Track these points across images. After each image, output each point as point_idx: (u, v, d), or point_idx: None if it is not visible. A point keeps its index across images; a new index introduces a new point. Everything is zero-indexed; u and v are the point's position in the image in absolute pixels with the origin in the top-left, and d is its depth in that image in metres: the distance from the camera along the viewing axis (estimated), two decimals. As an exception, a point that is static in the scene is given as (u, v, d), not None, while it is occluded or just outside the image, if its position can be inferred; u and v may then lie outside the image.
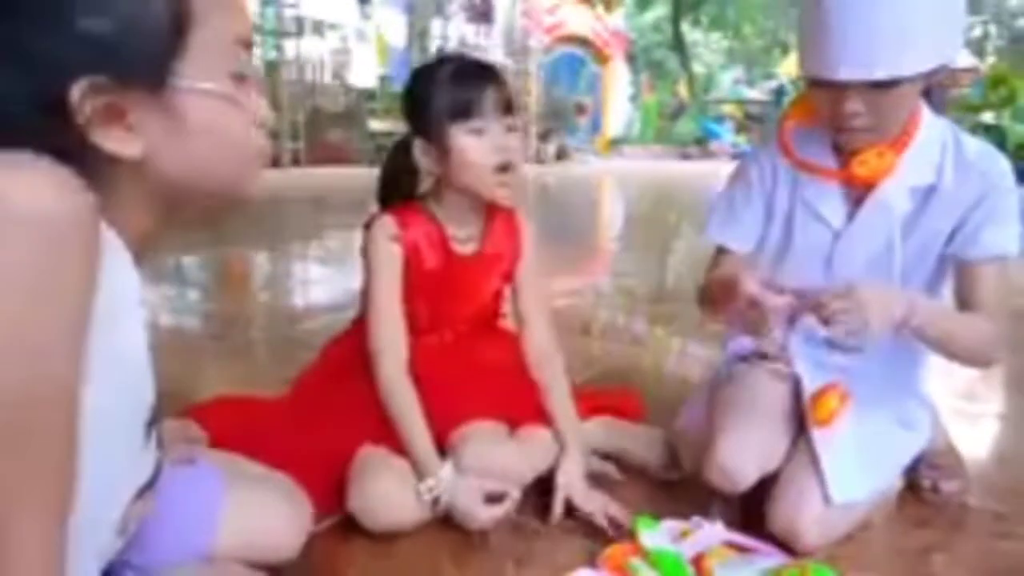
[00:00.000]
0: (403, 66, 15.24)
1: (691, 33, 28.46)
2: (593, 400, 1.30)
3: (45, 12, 0.47)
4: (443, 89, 1.08)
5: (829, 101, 0.94)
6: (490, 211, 1.19)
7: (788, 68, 21.17)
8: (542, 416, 1.17)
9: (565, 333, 1.50)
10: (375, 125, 13.32)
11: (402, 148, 1.16)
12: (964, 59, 16.55)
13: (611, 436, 1.26)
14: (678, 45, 27.07)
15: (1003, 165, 1.00)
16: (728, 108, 22.40)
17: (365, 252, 1.15)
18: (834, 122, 0.96)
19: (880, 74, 0.88)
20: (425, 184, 1.19)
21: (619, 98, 22.64)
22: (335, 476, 1.06)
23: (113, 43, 0.49)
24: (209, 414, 1.18)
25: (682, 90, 26.29)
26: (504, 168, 1.09)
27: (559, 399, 1.17)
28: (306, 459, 1.03)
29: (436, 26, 15.57)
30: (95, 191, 0.44)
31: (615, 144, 21.58)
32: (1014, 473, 1.32)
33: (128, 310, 0.52)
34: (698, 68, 29.01)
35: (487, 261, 1.21)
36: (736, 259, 1.16)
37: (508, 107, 1.10)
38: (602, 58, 21.65)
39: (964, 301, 1.02)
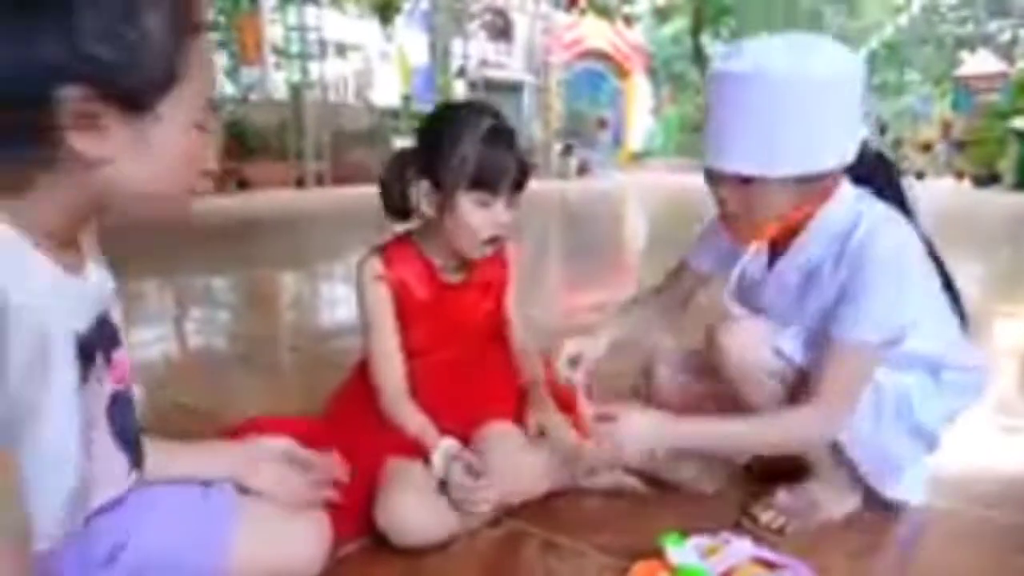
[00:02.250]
0: (425, 85, 15.44)
1: (711, 45, 28.39)
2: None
3: (63, 24, 0.54)
4: (466, 153, 1.07)
5: (711, 185, 1.04)
6: None
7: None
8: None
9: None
10: (398, 144, 13.49)
11: (400, 163, 1.15)
12: (991, 64, 16.34)
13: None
14: (698, 58, 27.04)
15: (885, 248, 0.96)
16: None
17: (358, 290, 1.19)
18: (716, 202, 1.06)
19: (736, 170, 0.96)
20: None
21: (640, 112, 22.66)
22: (365, 495, 1.07)
23: (118, 68, 0.56)
24: (243, 437, 1.21)
25: (703, 103, 26.21)
26: (492, 241, 1.14)
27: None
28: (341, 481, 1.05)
29: (457, 45, 15.75)
30: (42, 182, 0.56)
31: (637, 158, 21.57)
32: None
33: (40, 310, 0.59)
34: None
35: (476, 288, 1.24)
36: (690, 275, 1.28)
37: (520, 186, 1.12)
38: (622, 72, 21.70)
39: (814, 385, 1.00)
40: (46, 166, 0.57)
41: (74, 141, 0.56)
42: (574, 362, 1.17)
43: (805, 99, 0.91)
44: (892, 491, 1.11)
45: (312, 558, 0.91)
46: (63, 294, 0.63)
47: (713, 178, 1.02)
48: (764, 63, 0.91)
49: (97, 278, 0.70)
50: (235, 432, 1.23)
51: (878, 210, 1.02)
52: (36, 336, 0.58)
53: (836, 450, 1.07)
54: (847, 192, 1.03)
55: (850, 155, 0.98)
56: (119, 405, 0.73)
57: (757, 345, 1.06)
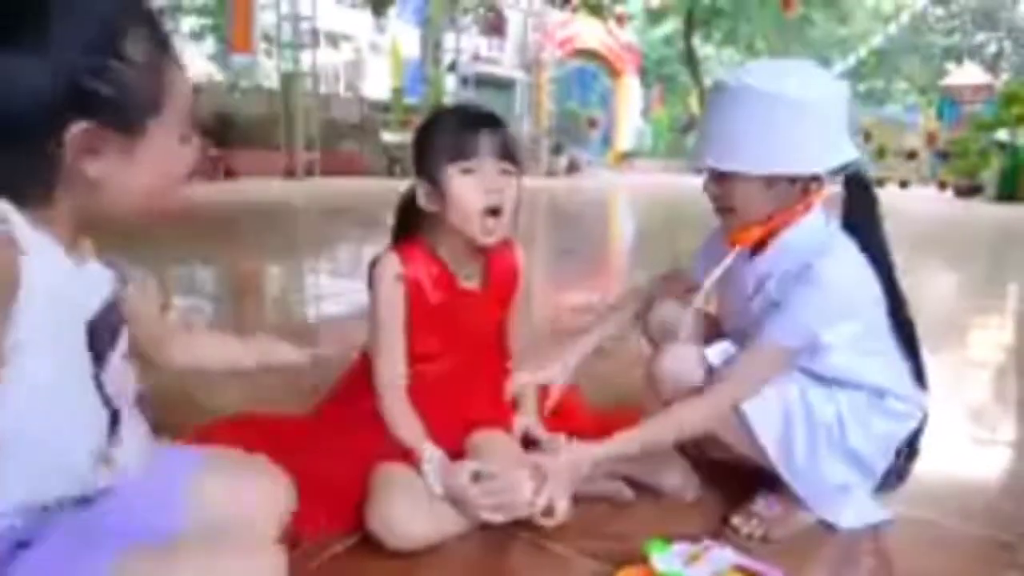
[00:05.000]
0: (416, 79, 15.37)
1: (703, 48, 28.53)
2: (603, 424, 1.32)
3: (65, 69, 0.63)
4: (443, 132, 1.15)
5: (706, 183, 1.15)
6: (487, 248, 1.20)
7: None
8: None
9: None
10: (388, 137, 13.44)
11: (411, 194, 1.21)
12: (977, 75, 16.55)
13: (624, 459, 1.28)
14: (689, 60, 27.15)
15: (834, 276, 1.05)
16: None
17: (371, 288, 1.19)
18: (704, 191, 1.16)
19: (714, 163, 1.09)
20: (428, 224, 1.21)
21: (630, 112, 22.71)
22: (355, 493, 1.08)
23: (114, 101, 0.66)
24: (227, 432, 1.21)
25: (693, 104, 26.33)
26: (493, 211, 1.12)
27: None
28: (327, 476, 1.05)
29: (450, 39, 15.70)
30: (52, 195, 0.67)
31: (626, 157, 21.63)
32: (1022, 502, 1.32)
33: (61, 295, 0.70)
34: (709, 83, 29.08)
35: (491, 295, 1.25)
36: (682, 279, 1.36)
37: (505, 152, 1.13)
38: (613, 72, 21.74)
39: (722, 371, 1.11)
40: (55, 184, 0.67)
41: (75, 162, 0.66)
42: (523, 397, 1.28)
43: (775, 111, 1.03)
44: (835, 517, 1.14)
45: (271, 509, 0.90)
46: (77, 283, 0.73)
47: (703, 174, 1.14)
48: (748, 81, 1.05)
49: (98, 272, 0.77)
50: (214, 431, 1.24)
51: (845, 245, 1.09)
52: (51, 314, 0.68)
53: None
54: (819, 216, 1.12)
55: (820, 167, 1.07)
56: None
57: (690, 370, 1.14)
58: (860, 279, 1.08)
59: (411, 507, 1.05)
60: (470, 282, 1.22)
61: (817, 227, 1.11)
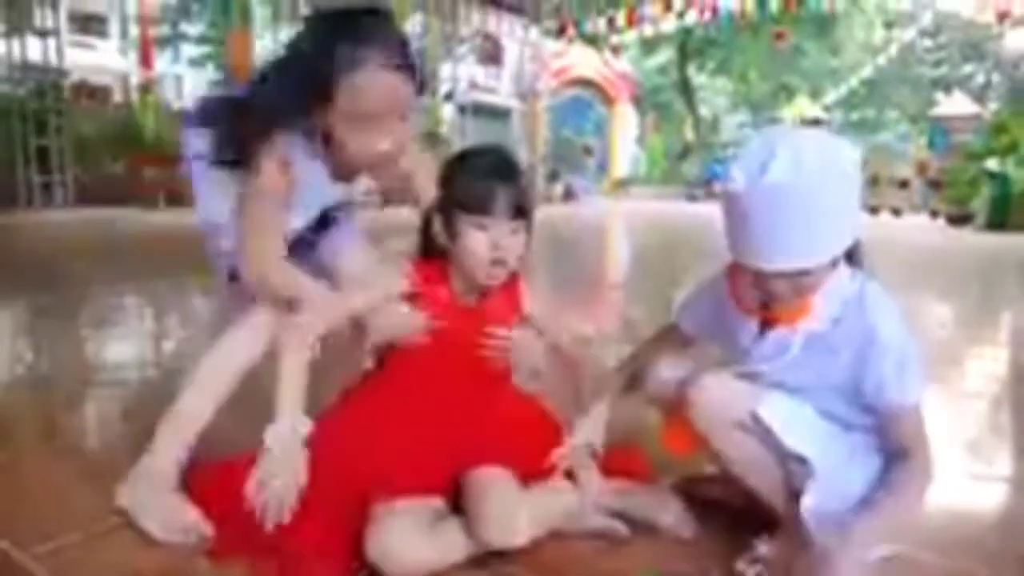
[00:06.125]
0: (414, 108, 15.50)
1: (697, 77, 28.91)
2: (600, 461, 1.32)
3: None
4: (465, 181, 1.18)
5: (756, 280, 1.08)
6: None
7: (793, 112, 21.46)
8: (543, 470, 1.23)
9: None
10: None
11: (431, 207, 1.25)
12: (966, 106, 16.79)
13: (620, 496, 1.28)
14: (684, 88, 27.50)
15: (896, 320, 1.06)
16: (734, 151, 22.61)
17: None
18: (764, 296, 1.11)
19: (798, 265, 1.02)
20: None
21: (625, 140, 22.93)
22: (357, 531, 1.08)
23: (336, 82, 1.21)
24: (214, 487, 1.21)
25: (688, 133, 26.61)
26: (498, 263, 1.18)
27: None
28: (327, 522, 1.07)
29: (446, 68, 15.89)
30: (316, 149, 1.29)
31: (622, 185, 21.78)
32: (1012, 540, 1.32)
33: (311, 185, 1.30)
34: (704, 111, 29.40)
35: (486, 311, 1.26)
36: (677, 337, 1.32)
37: (519, 210, 1.18)
38: (609, 100, 21.99)
39: (894, 450, 1.09)
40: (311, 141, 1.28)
41: (332, 128, 1.25)
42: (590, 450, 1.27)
43: (838, 191, 1.00)
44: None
45: None
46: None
47: (760, 277, 1.06)
48: (778, 178, 0.97)
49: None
50: (205, 482, 1.24)
51: (868, 281, 1.10)
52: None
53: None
54: (844, 270, 1.10)
55: (861, 224, 1.07)
56: None
57: (728, 400, 1.12)
58: (900, 313, 1.09)
59: (410, 534, 1.05)
60: (467, 299, 1.25)
61: (846, 269, 1.10)
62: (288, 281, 1.24)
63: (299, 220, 1.34)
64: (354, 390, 1.30)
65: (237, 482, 1.09)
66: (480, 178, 1.17)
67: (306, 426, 1.12)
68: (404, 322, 1.22)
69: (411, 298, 1.23)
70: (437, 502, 1.14)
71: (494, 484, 1.14)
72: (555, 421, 1.34)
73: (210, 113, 1.32)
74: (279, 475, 1.08)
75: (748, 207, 1.00)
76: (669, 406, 1.21)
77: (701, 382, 1.14)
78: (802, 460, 1.09)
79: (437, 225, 1.21)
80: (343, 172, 1.37)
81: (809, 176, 0.97)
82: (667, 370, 1.25)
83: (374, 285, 1.26)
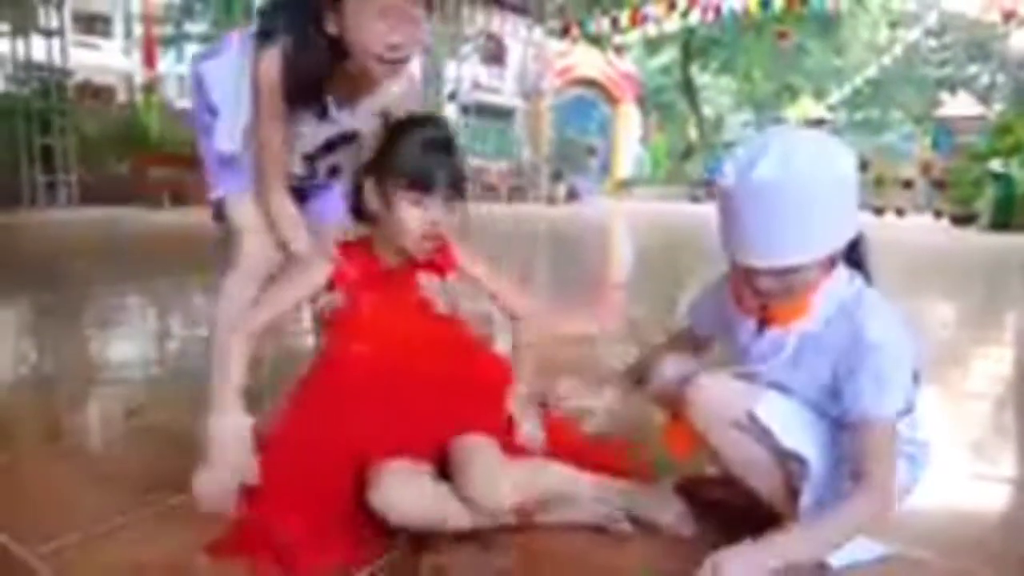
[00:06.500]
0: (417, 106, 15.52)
1: (700, 77, 28.90)
2: (588, 457, 1.33)
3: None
4: (404, 154, 1.20)
5: (747, 277, 1.08)
6: None
7: (797, 112, 21.43)
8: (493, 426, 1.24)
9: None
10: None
11: (362, 169, 1.28)
12: (970, 106, 16.75)
13: (622, 494, 1.27)
14: (687, 88, 27.48)
15: (886, 327, 1.03)
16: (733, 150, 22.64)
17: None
18: (753, 292, 1.10)
19: (784, 263, 1.01)
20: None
21: (629, 140, 22.93)
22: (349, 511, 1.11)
23: None
24: None
25: (691, 132, 26.58)
26: (430, 238, 1.22)
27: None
28: (316, 506, 1.10)
29: (451, 68, 15.90)
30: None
31: (625, 185, 21.78)
32: (1015, 540, 1.31)
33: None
34: (707, 111, 29.39)
35: (415, 268, 1.29)
36: (688, 337, 1.33)
37: (455, 187, 1.21)
38: (612, 100, 22.00)
39: (856, 468, 1.05)
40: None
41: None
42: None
43: (828, 191, 1.00)
44: (838, 560, 1.11)
45: None
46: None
47: (751, 273, 1.06)
48: (767, 174, 0.97)
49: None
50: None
51: (867, 287, 1.09)
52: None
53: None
54: (843, 272, 1.09)
55: (857, 225, 1.05)
56: None
57: (726, 399, 1.12)
58: (899, 320, 1.07)
59: (408, 484, 1.08)
60: (396, 260, 1.28)
61: (844, 273, 1.09)
62: (278, 210, 1.34)
63: (295, 161, 1.43)
64: (311, 377, 1.30)
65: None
66: (419, 154, 1.19)
67: (246, 417, 1.17)
68: (334, 302, 1.26)
69: (339, 278, 1.25)
70: (426, 467, 1.15)
71: (478, 448, 1.16)
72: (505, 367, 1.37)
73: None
74: (225, 465, 1.12)
75: (737, 203, 1.01)
76: (672, 406, 1.21)
77: (698, 381, 1.14)
78: (801, 460, 1.09)
79: (369, 191, 1.23)
80: (350, 87, 1.38)
81: (798, 175, 0.97)
82: (671, 368, 1.25)
83: (302, 281, 1.28)
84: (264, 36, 1.29)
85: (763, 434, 1.10)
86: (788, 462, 1.11)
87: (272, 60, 1.28)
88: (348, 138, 1.45)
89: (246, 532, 1.10)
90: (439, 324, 1.30)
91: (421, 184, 1.18)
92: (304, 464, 1.14)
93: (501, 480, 1.12)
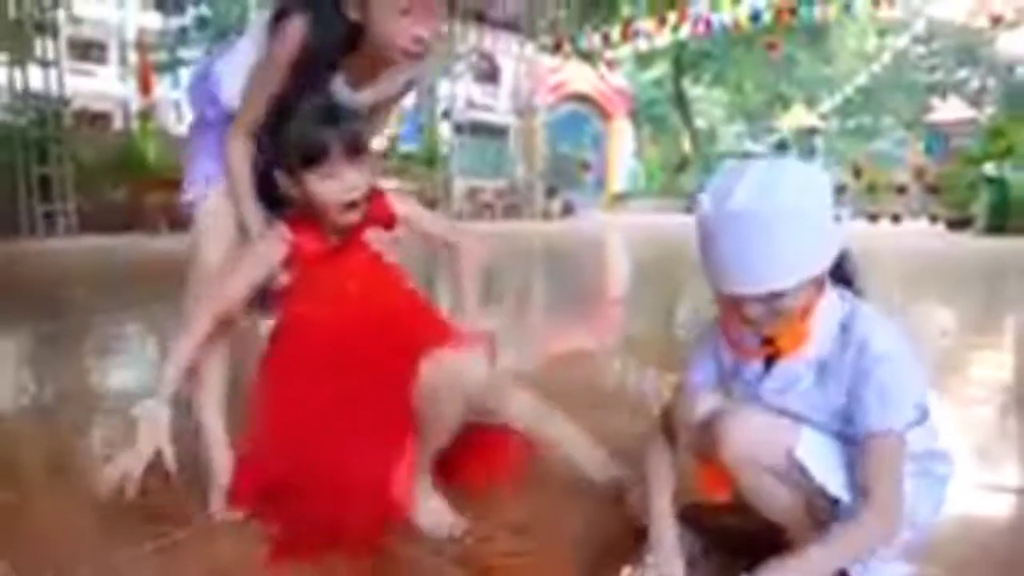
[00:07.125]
0: (412, 126, 15.61)
1: (692, 89, 29.09)
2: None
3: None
4: (296, 137, 1.22)
5: (733, 306, 1.07)
6: None
7: (789, 122, 21.57)
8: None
9: (575, 407, 1.51)
10: (384, 184, 13.56)
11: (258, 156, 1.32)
12: (961, 111, 16.85)
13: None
14: (680, 101, 27.66)
15: (886, 339, 1.03)
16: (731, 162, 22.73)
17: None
18: (742, 321, 1.08)
19: (765, 288, 1.00)
20: None
21: (623, 154, 23.04)
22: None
23: None
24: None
25: (685, 144, 26.73)
26: (351, 205, 1.25)
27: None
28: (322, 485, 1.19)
29: (443, 87, 16.00)
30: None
31: (620, 199, 21.85)
32: (1021, 549, 1.30)
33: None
34: (700, 123, 29.56)
35: (361, 228, 1.34)
36: (693, 392, 1.21)
37: (356, 147, 1.24)
38: (605, 115, 22.13)
39: (862, 485, 1.03)
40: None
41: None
42: None
43: (803, 218, 0.99)
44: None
45: None
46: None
47: (737, 302, 1.04)
48: (766, 195, 0.98)
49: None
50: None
51: (861, 302, 1.09)
52: None
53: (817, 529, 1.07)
54: (833, 292, 1.09)
55: (841, 241, 1.05)
56: None
57: (761, 439, 1.06)
58: (898, 334, 1.06)
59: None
60: (336, 237, 1.32)
61: (834, 292, 1.09)
62: (239, 192, 1.35)
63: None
64: (272, 357, 1.35)
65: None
66: (311, 130, 1.22)
67: (164, 407, 1.22)
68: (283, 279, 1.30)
69: (294, 251, 1.28)
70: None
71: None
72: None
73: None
74: (133, 452, 1.17)
75: (716, 231, 1.02)
76: (704, 449, 1.13)
77: (728, 420, 1.09)
78: (835, 501, 1.05)
79: (283, 183, 1.26)
80: (358, 73, 1.39)
81: (773, 201, 0.98)
82: (702, 405, 1.16)
83: (256, 263, 1.30)
84: (282, 16, 1.29)
85: (799, 472, 1.06)
86: (816, 497, 1.08)
87: (296, 29, 1.26)
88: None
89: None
90: (390, 278, 1.38)
91: (321, 159, 1.21)
92: (293, 444, 1.22)
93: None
